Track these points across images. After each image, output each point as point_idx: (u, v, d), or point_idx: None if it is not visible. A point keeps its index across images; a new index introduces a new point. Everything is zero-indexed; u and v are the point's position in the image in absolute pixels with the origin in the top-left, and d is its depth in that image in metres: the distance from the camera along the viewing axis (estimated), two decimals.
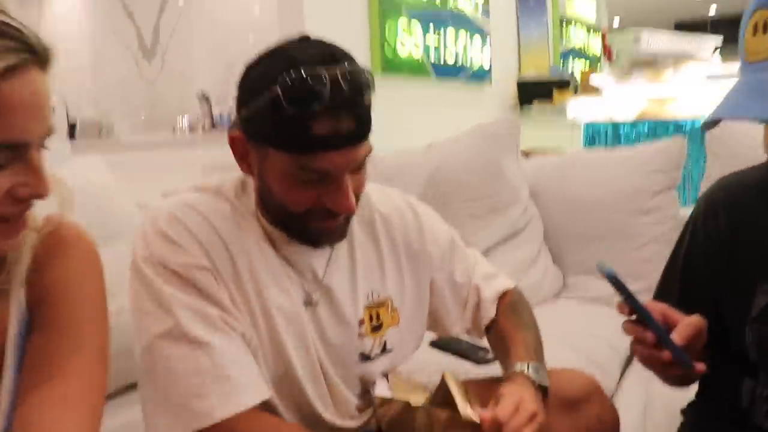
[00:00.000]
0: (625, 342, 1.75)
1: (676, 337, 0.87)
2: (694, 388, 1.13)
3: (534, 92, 4.85)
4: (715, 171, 1.90)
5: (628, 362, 1.75)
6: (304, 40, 0.94)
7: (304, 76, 0.86)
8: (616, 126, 3.92)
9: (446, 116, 3.89)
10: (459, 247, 1.23)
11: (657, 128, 3.70)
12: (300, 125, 0.87)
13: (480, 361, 1.50)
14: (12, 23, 0.67)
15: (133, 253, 0.95)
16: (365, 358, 1.09)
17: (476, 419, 0.91)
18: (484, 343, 1.24)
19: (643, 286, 1.91)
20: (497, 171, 2.03)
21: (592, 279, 2.03)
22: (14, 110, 0.66)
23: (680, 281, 1.08)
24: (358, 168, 0.95)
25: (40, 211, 0.80)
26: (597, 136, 3.89)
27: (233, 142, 0.98)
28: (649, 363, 0.93)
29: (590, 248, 2.04)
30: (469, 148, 2.05)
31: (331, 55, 0.90)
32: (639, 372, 1.66)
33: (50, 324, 0.78)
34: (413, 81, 3.87)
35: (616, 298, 0.89)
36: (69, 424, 0.74)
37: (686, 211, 1.99)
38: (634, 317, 0.89)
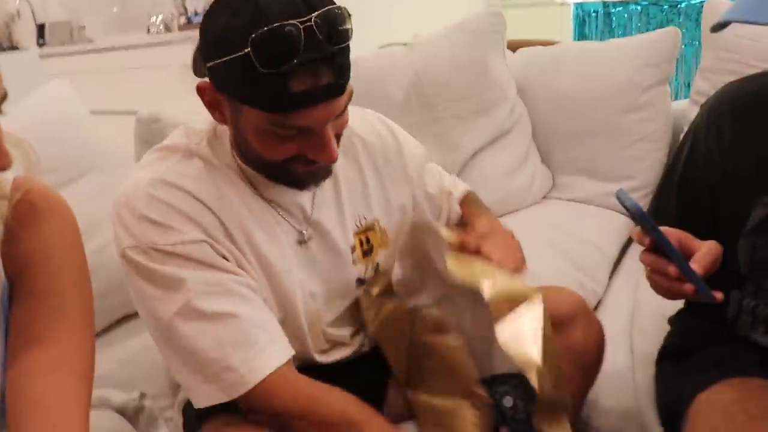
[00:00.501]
0: (612, 246, 1.77)
1: (696, 266, 0.87)
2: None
3: None
4: (710, 63, 1.82)
5: (615, 266, 1.75)
6: None
7: (277, 33, 0.78)
8: (606, 5, 3.75)
9: (430, 4, 3.72)
10: (428, 160, 1.23)
11: (650, 8, 3.54)
12: (276, 84, 0.80)
13: None
14: None
15: (118, 246, 0.91)
16: (360, 282, 1.10)
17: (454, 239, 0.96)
18: None
19: (633, 185, 1.90)
20: (482, 69, 1.94)
21: (582, 179, 1.99)
22: None
23: (678, 194, 1.07)
24: (341, 113, 0.90)
25: (6, 175, 0.77)
26: (587, 18, 3.73)
27: (202, 92, 0.91)
28: (668, 294, 0.92)
29: (580, 146, 1.98)
30: (452, 46, 1.94)
31: (303, 0, 0.81)
32: (626, 276, 1.67)
33: (33, 292, 0.77)
34: None
35: (635, 228, 0.89)
36: (59, 388, 0.74)
37: (677, 106, 1.95)
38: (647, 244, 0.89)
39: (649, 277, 0.93)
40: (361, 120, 1.14)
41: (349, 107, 0.90)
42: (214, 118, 0.94)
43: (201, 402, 0.91)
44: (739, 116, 1.00)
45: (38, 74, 3.58)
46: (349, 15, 0.84)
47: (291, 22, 0.78)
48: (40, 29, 4.47)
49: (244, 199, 0.97)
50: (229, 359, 0.88)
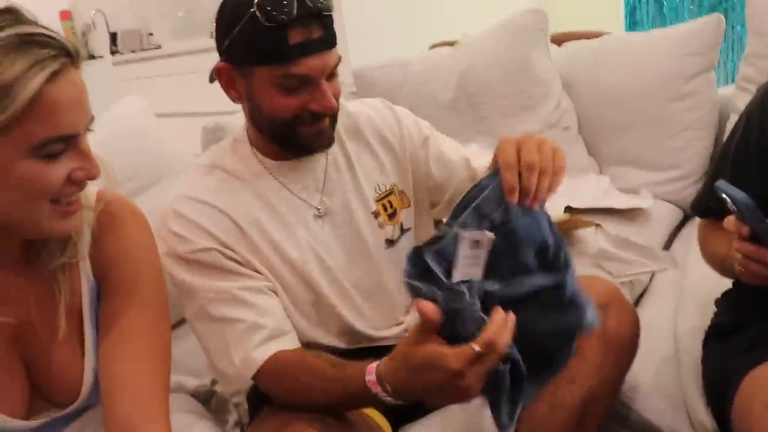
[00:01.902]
0: (660, 234, 1.79)
1: None
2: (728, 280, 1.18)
3: None
4: (756, 49, 1.83)
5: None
6: None
7: None
8: None
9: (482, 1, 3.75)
10: (438, 133, 1.32)
11: None
12: (277, 38, 0.99)
13: None
14: (47, 32, 0.77)
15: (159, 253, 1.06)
16: (390, 243, 1.21)
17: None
18: None
19: (679, 174, 1.94)
20: (526, 66, 2.00)
21: (629, 169, 2.02)
22: (63, 108, 0.77)
23: (731, 176, 1.08)
24: (332, 75, 1.07)
25: (91, 188, 0.92)
26: (638, 3, 3.69)
27: (219, 74, 1.09)
28: (765, 281, 0.95)
29: (625, 138, 2.02)
30: (496, 45, 2.01)
31: None
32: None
33: (117, 291, 0.92)
34: None
35: (729, 219, 0.92)
36: (144, 374, 0.89)
37: (724, 92, 1.96)
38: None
39: (743, 266, 0.95)
40: (361, 104, 1.28)
41: (351, 100, 1.03)
42: (231, 97, 1.11)
43: (225, 390, 1.05)
44: None
45: (112, 81, 3.81)
46: None
47: None
48: (113, 37, 4.70)
49: (259, 193, 1.13)
50: (231, 356, 1.05)
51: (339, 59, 1.07)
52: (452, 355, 0.81)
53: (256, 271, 1.10)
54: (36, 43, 0.75)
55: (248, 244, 1.10)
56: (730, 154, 1.12)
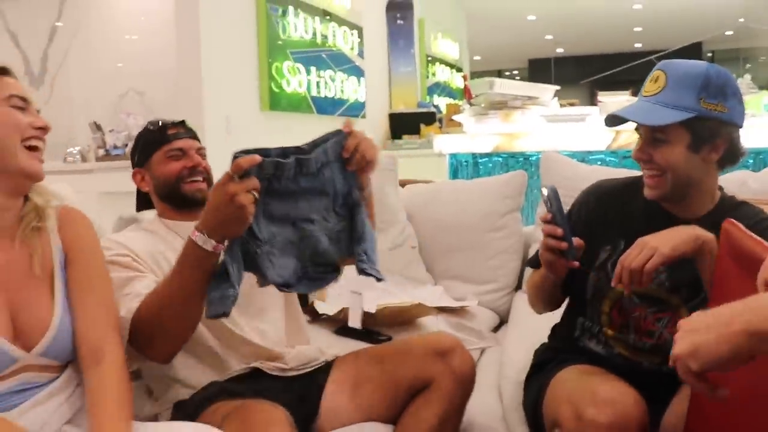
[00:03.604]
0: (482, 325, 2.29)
1: (575, 240, 1.39)
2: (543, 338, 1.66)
3: (404, 125, 5.39)
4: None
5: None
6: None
7: (158, 120, 1.71)
8: (475, 156, 4.54)
9: None
10: None
11: (509, 159, 4.35)
12: (162, 132, 1.67)
13: (375, 342, 1.95)
14: None
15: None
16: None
17: None
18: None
19: (495, 287, 2.47)
20: (380, 198, 2.48)
21: (457, 283, 2.53)
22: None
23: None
24: (200, 154, 1.69)
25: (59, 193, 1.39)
26: (460, 165, 4.49)
27: (135, 176, 1.71)
28: (551, 257, 1.42)
29: (454, 258, 2.55)
30: None
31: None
32: (495, 347, 2.18)
33: (80, 260, 1.30)
34: (297, 115, 4.31)
35: (541, 213, 1.42)
36: (109, 318, 1.29)
37: (529, 229, 2.58)
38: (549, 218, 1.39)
39: (543, 244, 1.42)
40: None
41: None
42: (142, 188, 1.72)
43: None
44: (600, 195, 1.58)
45: None
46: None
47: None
48: None
49: (164, 238, 1.61)
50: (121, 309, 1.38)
51: (203, 148, 1.71)
52: (220, 180, 1.23)
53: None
54: None
55: (156, 266, 1.54)
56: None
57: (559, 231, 1.37)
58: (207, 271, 1.27)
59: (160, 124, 1.69)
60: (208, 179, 1.66)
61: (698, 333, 0.90)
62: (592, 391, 1.28)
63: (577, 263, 1.40)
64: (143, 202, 1.77)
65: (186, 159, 1.65)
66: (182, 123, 1.70)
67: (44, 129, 1.27)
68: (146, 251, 1.55)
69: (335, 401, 1.56)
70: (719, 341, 0.87)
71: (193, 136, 1.70)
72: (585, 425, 1.25)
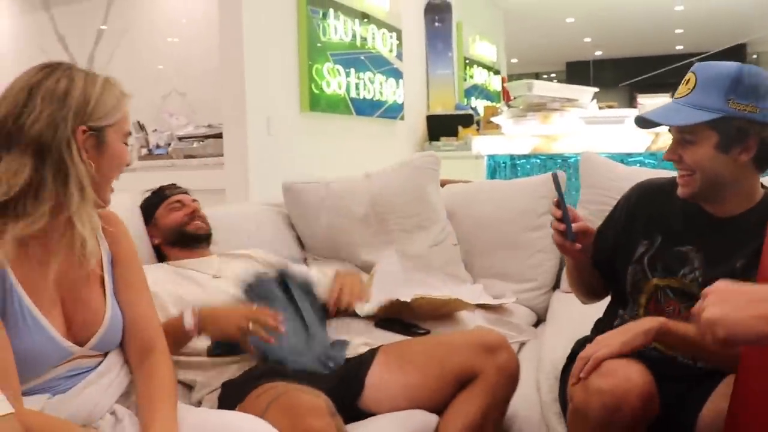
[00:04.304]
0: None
1: (577, 225, 1.51)
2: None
3: (441, 127, 5.42)
4: (586, 197, 2.48)
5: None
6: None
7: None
8: (513, 158, 4.55)
9: (364, 148, 4.42)
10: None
11: (547, 161, 4.36)
12: (161, 193, 2.09)
13: (414, 335, 1.99)
14: None
15: None
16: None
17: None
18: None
19: (533, 286, 2.49)
20: (422, 196, 2.55)
21: (495, 281, 2.56)
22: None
23: (598, 234, 1.65)
24: (194, 203, 2.10)
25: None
26: (498, 167, 4.51)
27: (149, 235, 2.04)
28: (556, 232, 1.53)
29: (493, 256, 2.59)
30: (400, 177, 2.57)
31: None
32: (534, 343, 2.20)
33: (124, 261, 1.40)
34: (336, 116, 4.37)
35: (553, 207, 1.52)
36: (151, 312, 1.41)
37: None
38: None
39: (553, 228, 1.53)
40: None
41: None
42: (155, 244, 2.05)
43: None
44: (642, 193, 1.64)
45: None
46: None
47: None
48: None
49: (175, 278, 1.90)
50: None
51: (196, 200, 2.11)
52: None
53: None
54: None
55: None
56: (607, 220, 1.71)
57: (559, 213, 1.50)
58: (178, 342, 1.56)
59: (158, 188, 2.11)
60: (204, 221, 2.06)
61: (728, 303, 0.93)
62: (600, 366, 1.34)
63: (578, 245, 1.51)
64: (158, 257, 2.08)
65: (185, 208, 2.04)
66: (174, 185, 2.13)
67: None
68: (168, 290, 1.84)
69: (383, 378, 1.62)
70: (749, 317, 0.90)
71: (186, 191, 2.12)
72: (590, 393, 1.31)
